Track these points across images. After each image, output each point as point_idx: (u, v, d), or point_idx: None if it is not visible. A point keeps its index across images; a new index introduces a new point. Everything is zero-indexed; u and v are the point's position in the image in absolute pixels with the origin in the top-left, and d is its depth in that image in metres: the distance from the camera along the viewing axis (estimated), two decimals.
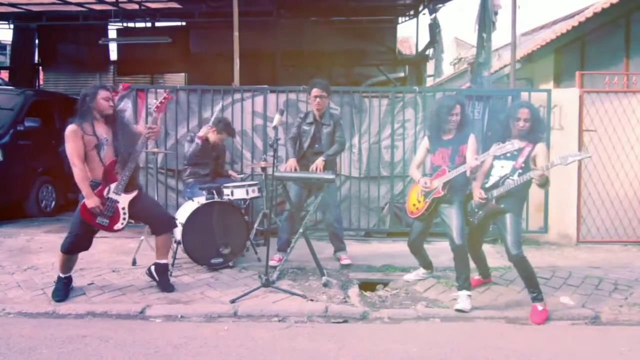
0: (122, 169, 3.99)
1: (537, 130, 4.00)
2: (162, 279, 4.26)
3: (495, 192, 3.88)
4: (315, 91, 4.88)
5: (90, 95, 4.01)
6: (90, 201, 3.90)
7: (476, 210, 4.02)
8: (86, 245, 4.14)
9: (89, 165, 3.98)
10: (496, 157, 3.98)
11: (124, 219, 4.03)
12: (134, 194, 4.06)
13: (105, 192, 3.97)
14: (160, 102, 4.24)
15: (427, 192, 4.15)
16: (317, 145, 4.95)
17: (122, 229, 4.06)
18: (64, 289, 4.09)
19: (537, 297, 3.85)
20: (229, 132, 5.52)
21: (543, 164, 3.82)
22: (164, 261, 4.27)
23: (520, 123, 3.93)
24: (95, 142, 3.95)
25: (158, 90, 6.45)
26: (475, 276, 4.33)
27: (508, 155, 3.90)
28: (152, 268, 4.32)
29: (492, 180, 3.96)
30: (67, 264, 4.13)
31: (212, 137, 5.38)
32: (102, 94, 4.03)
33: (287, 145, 5.04)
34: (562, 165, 3.72)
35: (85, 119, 3.97)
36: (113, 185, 3.98)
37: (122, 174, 3.98)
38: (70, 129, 3.90)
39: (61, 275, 4.13)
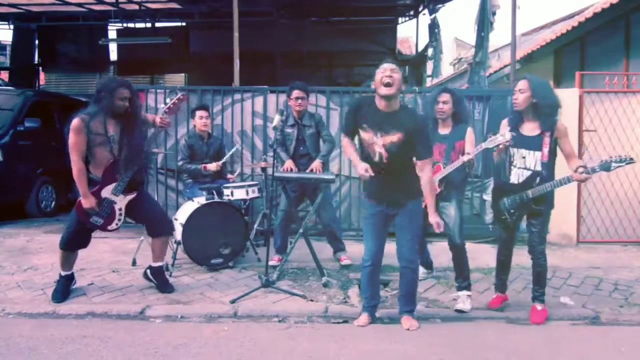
0: (124, 169, 3.88)
1: (548, 112, 3.63)
2: (159, 281, 4.23)
3: (530, 193, 3.65)
4: (296, 92, 4.85)
5: (108, 92, 3.79)
6: (86, 201, 3.82)
7: (512, 211, 3.77)
8: (84, 242, 4.06)
9: (93, 161, 3.87)
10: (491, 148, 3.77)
11: (119, 220, 3.97)
12: (133, 195, 3.99)
13: (103, 192, 3.89)
14: (173, 103, 4.04)
15: None
16: (301, 148, 4.94)
17: (116, 229, 4.02)
18: (63, 290, 4.04)
19: (540, 297, 3.82)
20: (197, 109, 5.35)
21: (569, 148, 3.65)
22: (158, 264, 4.22)
23: (516, 96, 3.66)
24: (102, 139, 3.82)
25: (158, 90, 6.46)
26: (494, 295, 4.03)
27: (507, 144, 3.64)
28: (148, 271, 4.29)
29: (517, 173, 3.72)
30: (67, 261, 4.06)
31: (197, 125, 5.31)
32: (121, 93, 3.81)
33: (277, 149, 4.83)
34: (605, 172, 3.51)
35: (96, 115, 3.81)
36: (112, 186, 3.90)
37: (123, 175, 3.89)
38: (75, 123, 3.74)
39: (62, 273, 4.08)
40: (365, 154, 3.54)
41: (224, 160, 5.33)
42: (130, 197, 3.98)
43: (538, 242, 3.75)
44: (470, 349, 3.29)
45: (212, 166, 5.18)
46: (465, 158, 3.89)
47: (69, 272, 4.10)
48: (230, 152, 5.62)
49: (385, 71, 3.38)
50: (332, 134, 5.28)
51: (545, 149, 3.63)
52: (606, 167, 3.52)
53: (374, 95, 3.53)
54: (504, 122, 3.87)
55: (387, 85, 3.37)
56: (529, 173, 3.69)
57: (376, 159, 3.47)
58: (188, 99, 6.25)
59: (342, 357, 3.18)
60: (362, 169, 3.45)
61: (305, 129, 4.94)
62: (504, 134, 3.63)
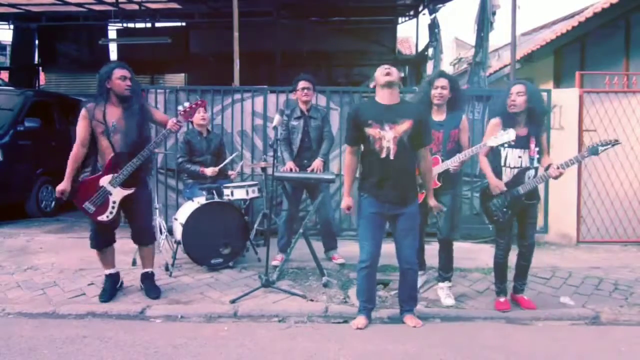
0: (126, 161, 3.83)
1: (540, 119, 3.80)
2: (145, 285, 4.19)
3: (521, 189, 3.75)
4: (302, 83, 4.90)
5: (104, 75, 3.82)
6: (62, 183, 3.84)
7: (504, 209, 3.83)
8: (109, 239, 4.06)
9: (99, 150, 3.88)
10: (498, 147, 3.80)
11: (111, 212, 3.88)
12: (130, 191, 3.91)
13: (101, 181, 3.85)
14: (190, 107, 3.97)
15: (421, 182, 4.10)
16: (306, 140, 4.95)
17: (107, 222, 3.91)
18: (110, 290, 4.06)
19: (524, 288, 4.03)
20: (195, 104, 5.29)
21: (545, 143, 3.84)
22: (145, 270, 4.22)
23: (514, 98, 3.76)
24: (103, 128, 3.81)
25: (158, 90, 6.46)
26: (501, 298, 3.99)
27: (512, 143, 3.70)
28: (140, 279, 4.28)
29: (511, 173, 3.80)
30: (104, 259, 4.09)
31: (195, 120, 5.25)
32: (118, 72, 3.81)
33: (281, 147, 4.87)
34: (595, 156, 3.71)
35: (99, 102, 3.84)
36: (111, 176, 3.85)
37: (125, 167, 3.83)
38: (82, 111, 3.84)
39: (106, 272, 4.10)
40: (370, 152, 3.51)
41: (221, 165, 5.25)
42: (127, 192, 3.90)
43: (532, 235, 3.91)
44: (470, 349, 3.29)
45: (209, 171, 5.12)
46: (467, 157, 3.91)
47: (112, 271, 4.12)
48: (230, 158, 5.51)
49: (383, 68, 3.54)
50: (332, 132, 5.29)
51: (532, 145, 3.78)
52: (594, 150, 3.64)
53: (372, 96, 3.61)
54: (496, 122, 3.87)
55: (387, 74, 3.49)
56: (518, 171, 3.80)
57: (383, 155, 3.46)
58: (187, 97, 6.26)
59: (342, 357, 3.18)
60: (345, 204, 3.69)
61: (312, 120, 4.95)
62: (509, 132, 3.65)
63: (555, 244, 5.98)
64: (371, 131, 3.47)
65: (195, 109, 4.04)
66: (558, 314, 3.86)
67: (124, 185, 3.89)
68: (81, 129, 3.85)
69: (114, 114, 3.86)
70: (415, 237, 3.65)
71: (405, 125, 3.45)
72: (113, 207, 3.89)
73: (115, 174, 3.86)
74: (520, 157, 3.79)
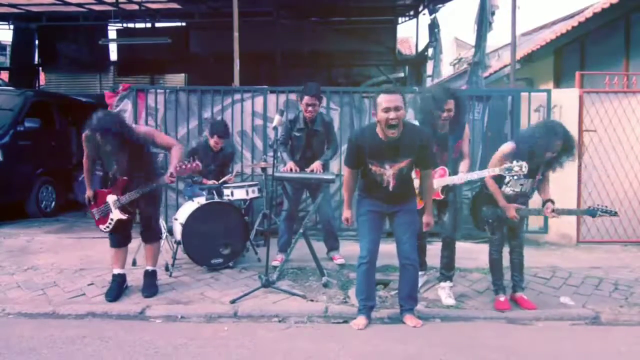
0: (128, 185, 4.03)
1: (564, 160, 3.77)
2: (144, 282, 4.27)
3: (521, 212, 3.88)
4: (307, 99, 4.68)
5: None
6: (87, 192, 4.17)
7: (490, 220, 3.97)
8: (126, 239, 4.23)
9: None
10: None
11: (108, 227, 4.12)
12: (124, 217, 4.07)
13: (108, 197, 4.07)
14: (186, 166, 4.02)
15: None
16: (308, 151, 4.90)
17: (104, 232, 4.19)
18: (117, 289, 4.13)
19: (522, 284, 4.07)
20: (216, 132, 5.20)
21: (548, 176, 3.93)
22: (147, 268, 4.30)
23: (552, 154, 3.72)
24: (102, 159, 4.08)
25: (158, 90, 6.45)
26: (501, 298, 3.99)
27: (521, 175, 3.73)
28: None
29: (508, 194, 3.90)
30: (116, 258, 4.20)
31: (210, 142, 5.29)
32: (97, 137, 3.77)
33: (280, 149, 4.77)
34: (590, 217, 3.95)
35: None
36: (115, 197, 4.05)
37: (125, 195, 4.02)
38: (83, 135, 3.99)
39: (114, 271, 4.19)
40: (371, 175, 3.57)
41: (222, 181, 5.18)
42: (122, 217, 4.07)
43: (521, 231, 4.10)
44: (470, 349, 3.30)
45: (210, 182, 5.16)
46: (474, 178, 3.98)
47: (121, 271, 4.21)
48: (223, 180, 5.26)
49: (390, 112, 3.31)
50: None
51: (539, 176, 3.89)
52: (593, 213, 3.82)
53: (373, 125, 3.53)
54: (502, 156, 3.83)
55: (392, 127, 3.35)
56: (518, 195, 3.92)
57: (384, 184, 3.54)
58: (187, 97, 6.26)
59: (342, 357, 3.18)
60: (345, 216, 3.80)
61: (316, 135, 4.86)
62: (522, 165, 3.66)
63: (555, 244, 5.97)
64: (373, 168, 3.53)
65: (190, 169, 4.10)
66: (558, 314, 3.87)
67: (121, 209, 4.07)
68: (85, 148, 4.03)
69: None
70: (414, 232, 3.67)
71: (404, 163, 3.50)
72: (110, 223, 4.12)
73: (118, 197, 4.05)
74: (522, 184, 3.89)
